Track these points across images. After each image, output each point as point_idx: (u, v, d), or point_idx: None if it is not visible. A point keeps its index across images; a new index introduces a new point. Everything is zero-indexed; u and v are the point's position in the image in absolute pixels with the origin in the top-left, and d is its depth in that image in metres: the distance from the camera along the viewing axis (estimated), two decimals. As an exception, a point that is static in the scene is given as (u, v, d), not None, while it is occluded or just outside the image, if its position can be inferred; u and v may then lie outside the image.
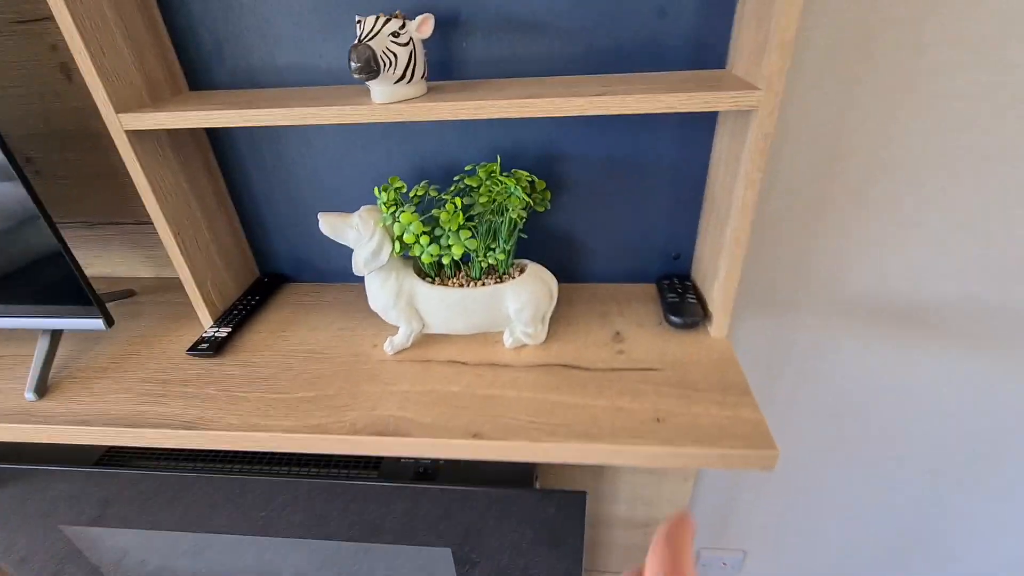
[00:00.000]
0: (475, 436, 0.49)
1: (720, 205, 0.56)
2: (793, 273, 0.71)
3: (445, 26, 0.55)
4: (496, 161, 0.57)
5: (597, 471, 0.83)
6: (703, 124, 0.58)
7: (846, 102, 0.58)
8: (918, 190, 0.63)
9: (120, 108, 0.52)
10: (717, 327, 0.59)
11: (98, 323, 0.59)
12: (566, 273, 0.70)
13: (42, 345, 0.61)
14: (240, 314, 0.67)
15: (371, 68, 0.45)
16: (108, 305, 0.73)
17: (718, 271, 0.57)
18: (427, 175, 0.64)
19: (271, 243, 0.74)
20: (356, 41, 0.45)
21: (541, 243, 0.68)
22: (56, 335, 0.62)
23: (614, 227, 0.66)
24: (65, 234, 0.77)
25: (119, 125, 0.52)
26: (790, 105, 0.59)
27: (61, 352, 0.64)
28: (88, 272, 0.82)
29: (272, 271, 0.77)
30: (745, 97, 0.45)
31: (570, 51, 0.55)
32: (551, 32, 0.54)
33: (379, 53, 0.45)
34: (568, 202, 0.65)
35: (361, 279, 0.66)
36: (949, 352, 0.76)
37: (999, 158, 0.60)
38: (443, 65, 0.57)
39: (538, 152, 0.62)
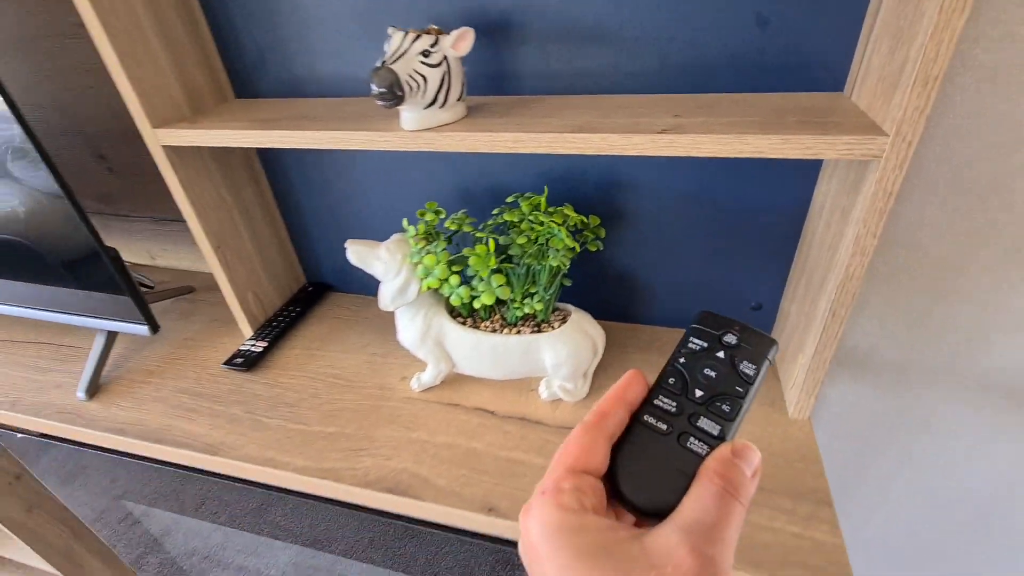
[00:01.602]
0: (490, 511, 0.44)
1: (817, 263, 0.45)
2: (907, 337, 0.58)
3: (495, 34, 0.47)
4: (543, 192, 0.49)
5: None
6: (805, 162, 0.47)
7: (1009, 140, 0.44)
8: (1104, 254, 0.47)
9: (157, 123, 0.50)
10: (797, 408, 0.48)
11: (142, 329, 0.60)
12: (623, 313, 0.62)
13: (98, 343, 0.63)
14: (278, 327, 0.66)
15: (395, 95, 0.39)
16: (167, 302, 0.75)
17: (805, 344, 0.46)
18: (472, 197, 0.58)
19: (316, 253, 0.72)
20: (380, 63, 0.39)
21: (593, 277, 0.60)
22: (112, 335, 0.64)
23: (684, 268, 0.57)
24: (132, 228, 0.81)
25: (156, 140, 0.50)
26: (925, 146, 0.46)
27: (117, 349, 0.67)
28: (156, 264, 0.85)
29: (318, 280, 0.75)
30: (864, 144, 0.34)
31: (640, 65, 0.46)
32: (618, 42, 0.45)
33: (404, 77, 0.39)
34: (629, 236, 0.56)
35: None
36: (1117, 452, 0.59)
37: None
38: (492, 78, 0.50)
39: (597, 179, 0.53)
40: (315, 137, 0.45)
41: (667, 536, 0.20)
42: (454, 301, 0.49)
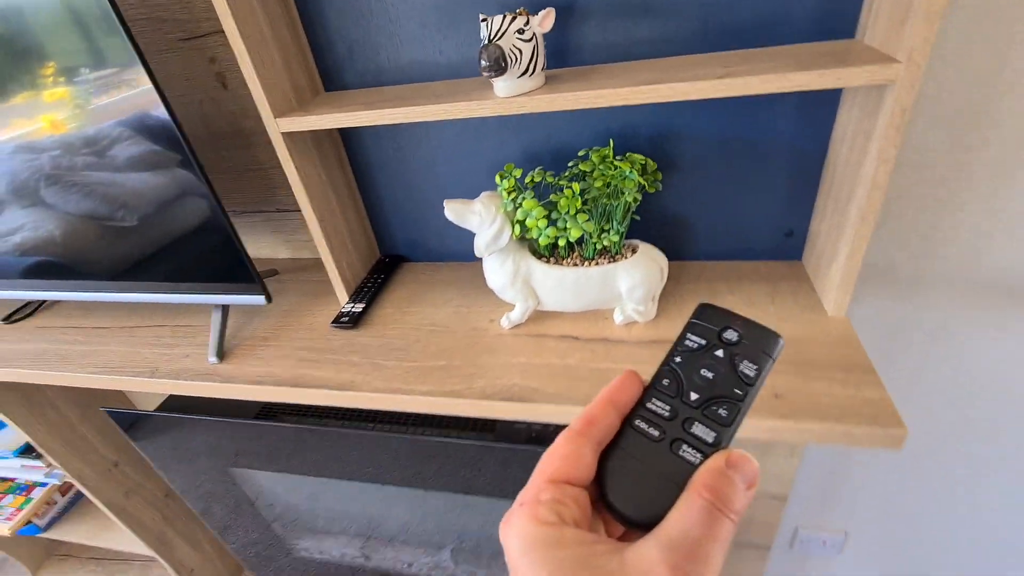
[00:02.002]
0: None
1: (843, 182, 0.55)
2: (920, 249, 0.67)
3: (561, 14, 0.56)
4: (608, 145, 0.59)
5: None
6: (826, 98, 0.56)
7: (994, 66, 0.54)
8: (1078, 156, 0.57)
9: (277, 113, 0.59)
10: (836, 306, 0.58)
11: (260, 299, 0.69)
12: (673, 252, 0.71)
13: (216, 317, 0.72)
14: (370, 291, 0.75)
15: (500, 66, 0.48)
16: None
17: (838, 251, 0.56)
18: (538, 161, 0.67)
19: (390, 227, 0.81)
20: (486, 41, 0.48)
21: (649, 222, 0.69)
22: (226, 309, 0.73)
23: (724, 206, 0.66)
24: (220, 222, 0.89)
25: (276, 128, 0.59)
26: (929, 73, 0.55)
27: (229, 322, 0.76)
28: (237, 254, 0.94)
29: (391, 252, 0.84)
30: (883, 71, 0.43)
31: (686, 30, 0.55)
32: (666, 12, 0.54)
33: (507, 51, 0.48)
34: (678, 182, 0.66)
35: (470, 258, 0.72)
36: (1105, 333, 0.69)
37: None
38: (558, 53, 0.59)
39: (650, 133, 0.63)
40: (422, 111, 0.54)
41: (647, 551, 0.19)
42: (543, 241, 0.58)
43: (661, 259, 0.60)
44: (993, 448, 0.85)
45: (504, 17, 0.49)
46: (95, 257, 0.74)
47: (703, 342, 0.24)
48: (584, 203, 0.57)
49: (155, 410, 0.82)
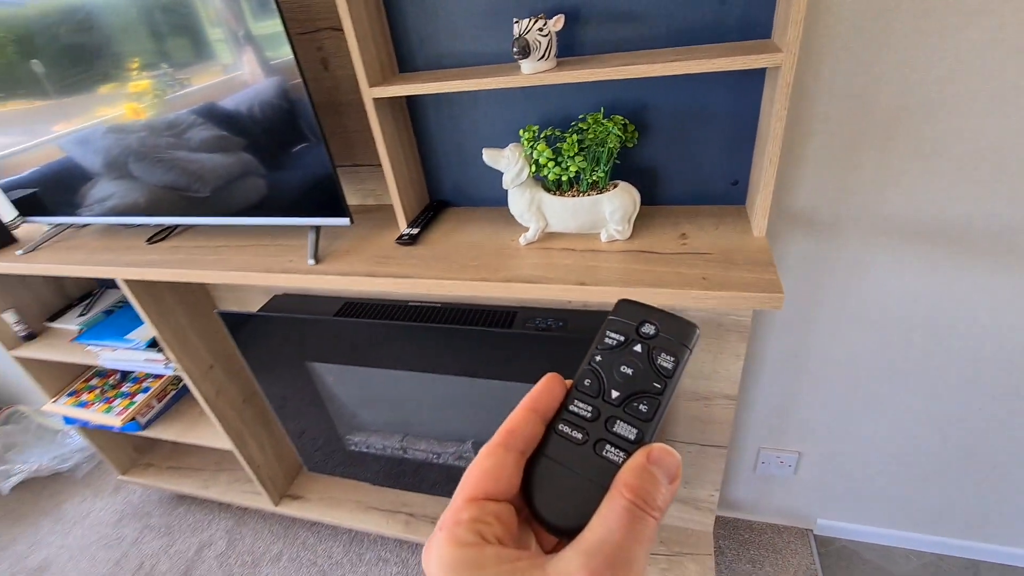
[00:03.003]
0: (582, 283, 0.78)
1: (763, 139, 0.78)
2: (834, 201, 0.90)
3: (569, 19, 0.82)
4: (600, 111, 0.84)
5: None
6: (755, 79, 0.80)
7: (872, 57, 0.77)
8: (936, 126, 0.80)
9: (371, 84, 0.85)
10: (758, 228, 0.82)
11: (345, 221, 0.96)
12: (647, 197, 0.95)
13: (311, 236, 0.99)
14: (422, 222, 1.01)
15: (526, 52, 0.73)
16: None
17: (760, 188, 0.79)
18: (551, 123, 0.92)
19: (439, 177, 1.07)
20: (517, 35, 0.74)
21: (629, 171, 0.93)
22: (318, 229, 1.00)
23: (685, 160, 0.90)
24: (308, 173, 1.16)
25: (370, 95, 0.86)
26: (823, 62, 0.79)
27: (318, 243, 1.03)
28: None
29: (438, 198, 1.10)
30: (772, 58, 0.67)
31: (654, 32, 0.80)
32: (640, 19, 0.79)
33: (531, 42, 0.73)
34: (651, 141, 0.90)
35: (500, 203, 0.97)
36: (976, 267, 0.90)
37: (1006, 99, 0.75)
38: (566, 46, 0.84)
39: (631, 104, 0.87)
40: (474, 83, 0.80)
41: (568, 562, 0.19)
42: (551, 176, 0.83)
43: (635, 192, 0.84)
44: (908, 371, 1.07)
45: (530, 19, 0.74)
46: (226, 194, 1.02)
47: (621, 338, 0.24)
48: (580, 150, 0.82)
49: (258, 311, 1.09)
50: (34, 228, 1.36)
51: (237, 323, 1.15)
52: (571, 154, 0.80)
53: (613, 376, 0.23)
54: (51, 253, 1.19)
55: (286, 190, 0.98)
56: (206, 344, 1.32)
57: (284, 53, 0.83)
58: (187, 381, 1.27)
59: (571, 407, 0.23)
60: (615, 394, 0.23)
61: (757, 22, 0.76)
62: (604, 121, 0.80)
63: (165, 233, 1.17)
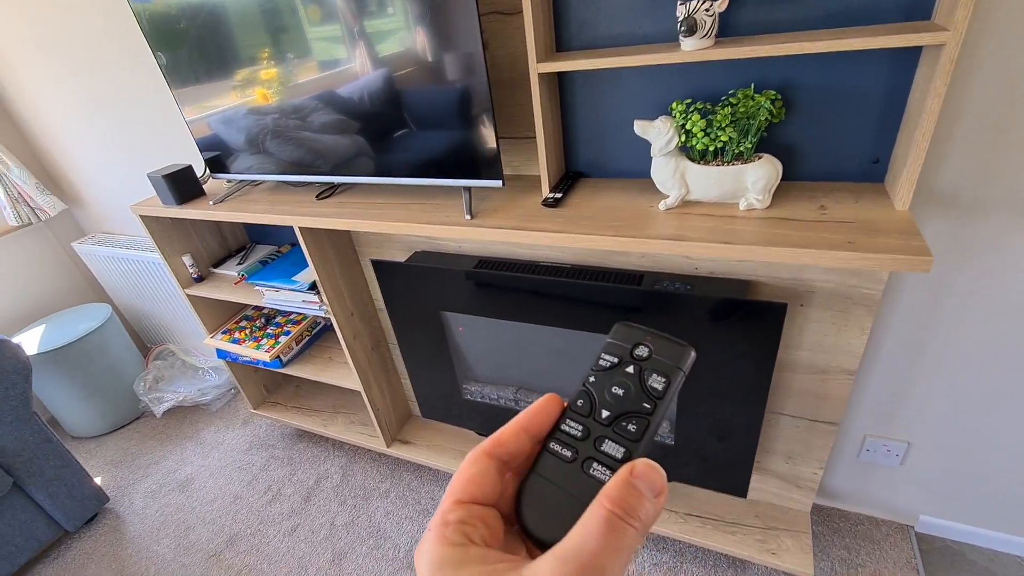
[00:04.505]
0: (727, 242, 0.85)
1: (914, 115, 0.82)
2: (978, 182, 0.92)
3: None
4: (749, 87, 0.91)
5: (790, 316, 1.12)
6: (908, 59, 0.84)
7: (1035, 39, 0.79)
8: (1102, 108, 0.80)
9: (539, 60, 0.97)
10: (902, 202, 0.86)
11: (497, 183, 1.08)
12: (784, 173, 1.01)
13: (465, 196, 1.12)
14: (563, 188, 1.12)
15: (692, 30, 0.82)
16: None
17: (906, 161, 0.83)
18: (694, 100, 1.00)
19: (576, 149, 1.17)
20: (686, 15, 0.83)
21: (771, 148, 0.99)
22: (469, 190, 1.13)
23: (825, 138, 0.95)
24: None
25: (536, 69, 0.97)
26: (981, 43, 0.82)
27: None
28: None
29: (573, 170, 1.21)
30: (937, 36, 0.72)
31: (809, 14, 0.86)
32: (797, 1, 0.85)
33: (698, 20, 0.82)
34: (792, 118, 0.96)
35: (632, 175, 1.06)
36: None
37: None
38: (724, 27, 0.92)
39: (777, 83, 0.93)
40: (642, 59, 0.89)
41: (541, 564, 0.20)
42: (699, 146, 0.91)
43: (778, 164, 0.91)
44: (1042, 363, 1.05)
45: (697, 0, 0.83)
46: (399, 156, 1.17)
47: (615, 360, 0.25)
48: (731, 122, 0.90)
49: (405, 260, 1.25)
50: (216, 184, 1.60)
51: (385, 271, 1.31)
52: (723, 125, 0.88)
53: (604, 396, 0.24)
54: (236, 204, 1.40)
55: (447, 154, 1.12)
56: (349, 293, 1.50)
57: (469, 36, 0.96)
58: (334, 323, 1.46)
59: (563, 426, 0.24)
60: (605, 414, 0.24)
61: (918, 4, 0.80)
62: (756, 96, 0.87)
63: (330, 191, 1.35)
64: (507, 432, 0.24)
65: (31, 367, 1.58)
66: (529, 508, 0.23)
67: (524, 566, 0.20)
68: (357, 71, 1.11)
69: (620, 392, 0.24)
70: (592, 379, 0.25)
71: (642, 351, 0.25)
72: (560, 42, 1.05)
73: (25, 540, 1.63)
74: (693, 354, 0.24)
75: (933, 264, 0.74)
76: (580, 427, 0.24)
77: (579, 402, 0.24)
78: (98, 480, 1.98)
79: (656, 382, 0.24)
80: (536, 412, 0.25)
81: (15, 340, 2.01)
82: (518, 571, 0.20)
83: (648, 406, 0.23)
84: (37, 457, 1.62)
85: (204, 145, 1.43)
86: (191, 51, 1.25)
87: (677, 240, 0.89)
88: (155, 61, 1.60)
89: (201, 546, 1.69)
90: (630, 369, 0.24)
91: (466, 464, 0.24)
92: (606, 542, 0.20)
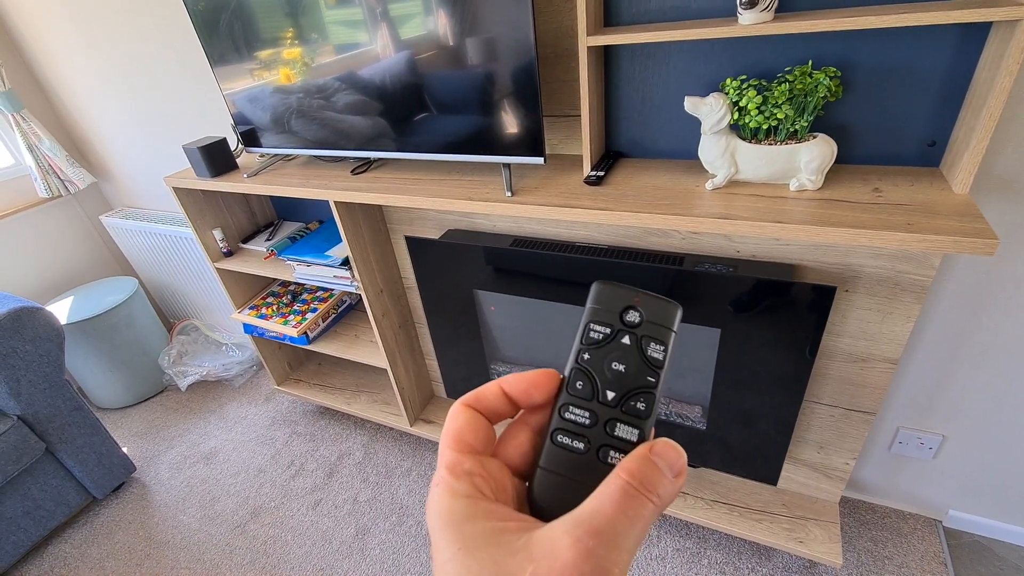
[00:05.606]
0: (778, 221, 0.84)
1: (979, 95, 0.80)
2: (1039, 164, 0.89)
3: (787, -23, 0.87)
4: (807, 64, 0.88)
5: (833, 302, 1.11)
6: (974, 37, 0.82)
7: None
8: None
9: (588, 33, 0.95)
10: (962, 185, 0.83)
11: (539, 160, 1.07)
12: (838, 156, 0.99)
13: (505, 172, 1.11)
14: (605, 167, 1.10)
15: (754, 3, 0.80)
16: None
17: (968, 143, 0.81)
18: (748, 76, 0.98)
19: (617, 129, 1.16)
20: (748, -13, 0.81)
21: (824, 128, 0.97)
22: (509, 167, 1.12)
23: (881, 119, 0.93)
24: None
25: (585, 43, 0.95)
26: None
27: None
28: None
29: (613, 149, 1.19)
30: (1013, 12, 0.69)
31: (876, -11, 0.83)
32: (864, -24, 0.83)
33: (761, -7, 0.80)
34: (847, 99, 0.93)
35: (674, 155, 1.04)
36: None
37: None
38: (784, 1, 0.89)
39: (834, 61, 0.91)
40: (689, 33, 0.87)
41: (553, 528, 0.19)
42: (752, 124, 0.89)
43: (833, 143, 0.89)
44: (1092, 357, 1.03)
45: (760, -27, 0.81)
46: (439, 132, 1.16)
47: (607, 331, 0.23)
48: (788, 99, 0.88)
49: (439, 238, 1.24)
50: (248, 159, 1.60)
51: (419, 248, 1.31)
52: (779, 102, 0.86)
53: (605, 375, 0.23)
54: (270, 177, 1.40)
55: (489, 130, 1.11)
56: (380, 270, 1.50)
57: (521, 10, 0.94)
58: (364, 299, 1.46)
59: (566, 415, 0.23)
60: (610, 395, 0.22)
61: (989, -21, 0.77)
62: (815, 73, 0.85)
63: (365, 167, 1.35)
64: (486, 389, 0.24)
65: (64, 335, 1.61)
66: (548, 508, 0.22)
67: (536, 528, 0.19)
68: (396, 48, 1.10)
69: (621, 368, 0.22)
70: (587, 356, 0.23)
71: (633, 316, 0.23)
72: (609, 16, 1.03)
73: (56, 505, 1.67)
74: (680, 311, 0.23)
75: (997, 247, 0.72)
76: (587, 413, 0.22)
77: (578, 384, 0.23)
78: (125, 450, 2.01)
79: (655, 351, 0.22)
80: (524, 379, 0.23)
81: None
82: (529, 533, 0.19)
83: (652, 379, 0.22)
84: (68, 424, 1.65)
85: (239, 119, 1.43)
86: (232, 23, 1.25)
87: (727, 219, 0.87)
88: (185, 35, 1.60)
89: (226, 517, 1.71)
90: (626, 340, 0.22)
91: (450, 418, 0.23)
92: (623, 508, 0.19)
